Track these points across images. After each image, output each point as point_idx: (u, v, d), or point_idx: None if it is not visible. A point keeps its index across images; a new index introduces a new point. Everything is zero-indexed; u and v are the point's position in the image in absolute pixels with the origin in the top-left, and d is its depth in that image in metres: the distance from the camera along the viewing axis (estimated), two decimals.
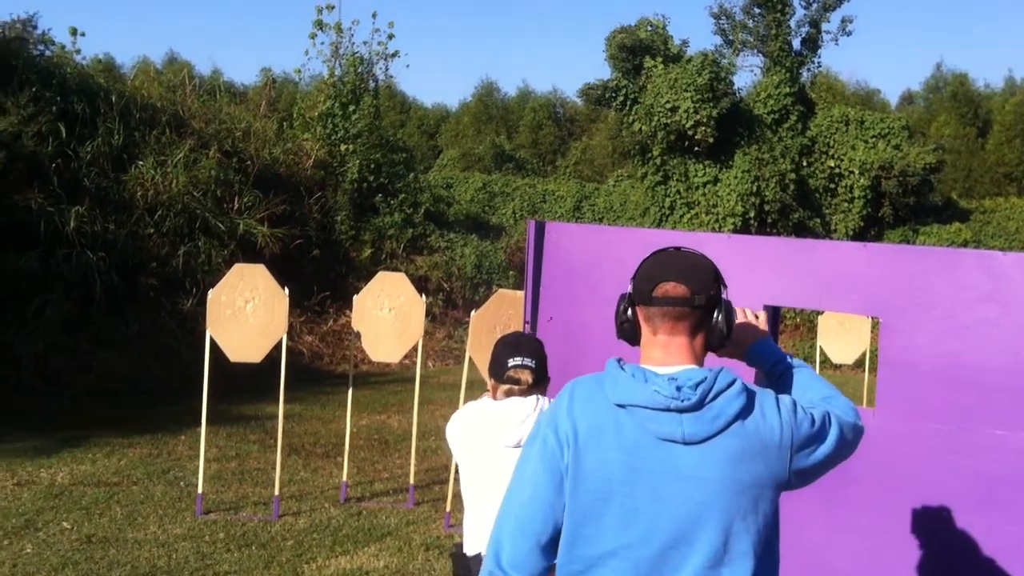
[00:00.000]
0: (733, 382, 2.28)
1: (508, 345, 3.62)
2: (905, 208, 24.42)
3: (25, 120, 14.79)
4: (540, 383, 3.58)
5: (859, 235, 24.01)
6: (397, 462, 9.90)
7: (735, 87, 24.42)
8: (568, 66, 79.99)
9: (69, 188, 14.77)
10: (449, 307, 20.43)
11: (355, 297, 8.85)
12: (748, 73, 58.18)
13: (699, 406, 2.24)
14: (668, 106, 22.61)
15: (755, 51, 27.13)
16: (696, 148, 23.10)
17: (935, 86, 51.11)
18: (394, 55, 22.91)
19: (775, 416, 2.29)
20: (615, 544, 2.26)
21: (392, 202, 20.88)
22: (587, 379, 2.39)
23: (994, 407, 4.21)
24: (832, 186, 24.61)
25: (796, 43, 26.29)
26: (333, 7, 22.26)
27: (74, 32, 19.77)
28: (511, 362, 3.55)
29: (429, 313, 19.25)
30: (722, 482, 2.22)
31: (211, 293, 8.10)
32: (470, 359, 7.92)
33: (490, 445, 3.48)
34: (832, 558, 4.53)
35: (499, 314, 8.22)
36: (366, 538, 7.40)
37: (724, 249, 4.99)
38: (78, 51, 19.32)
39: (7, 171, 14.20)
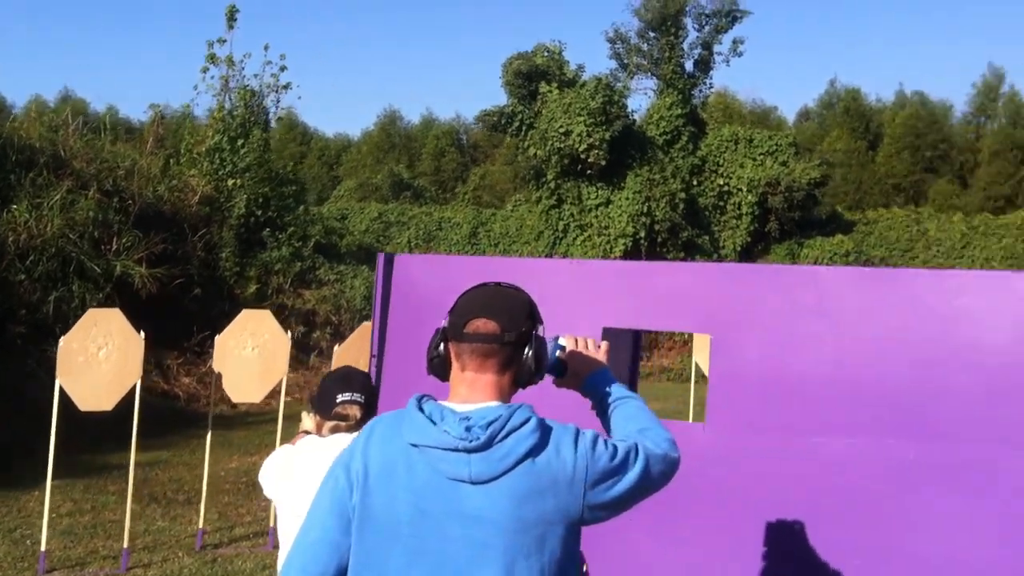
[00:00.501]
0: (527, 420, 2.26)
1: (337, 380, 3.53)
2: (791, 222, 24.95)
3: None
4: (368, 419, 3.48)
5: (746, 250, 24.49)
6: (261, 504, 9.65)
7: (629, 110, 24.78)
8: (472, 92, 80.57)
9: None
10: (337, 340, 20.12)
11: (217, 337, 8.63)
12: (643, 96, 58.98)
13: (487, 446, 2.21)
14: (562, 130, 22.79)
15: (649, 74, 27.57)
16: (589, 171, 23.29)
17: (829, 102, 52.50)
18: (286, 87, 22.65)
19: (570, 452, 2.25)
20: None
21: (280, 236, 20.59)
22: (389, 416, 2.37)
23: (820, 417, 4.31)
24: (721, 204, 25.04)
25: (689, 65, 26.80)
26: (225, 40, 21.96)
27: None
28: (340, 397, 3.45)
29: (315, 348, 19.00)
30: (505, 521, 2.20)
31: (63, 341, 7.82)
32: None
33: (316, 483, 3.35)
34: (666, 573, 4.52)
35: (364, 346, 8.09)
36: None
37: (566, 276, 5.05)
38: None
39: None
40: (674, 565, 4.50)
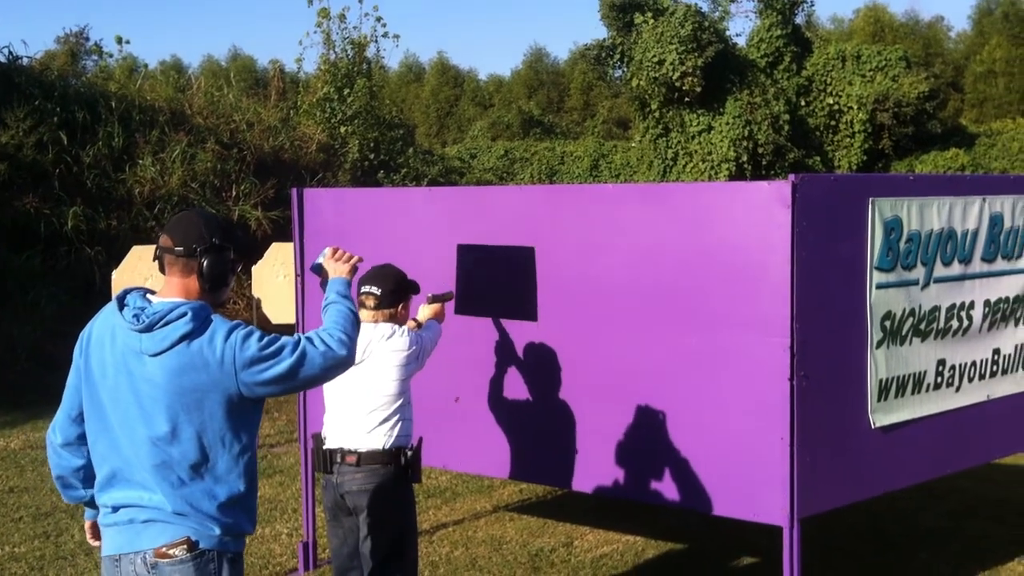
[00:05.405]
0: (184, 314, 3.15)
1: (366, 276, 4.80)
2: (906, 138, 24.58)
3: (26, 132, 16.28)
4: (382, 306, 4.81)
5: (864, 169, 24.31)
6: None
7: (732, 34, 24.92)
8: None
9: (71, 191, 16.23)
10: None
11: (253, 268, 9.94)
12: (745, 19, 57.61)
13: (149, 329, 3.17)
14: (655, 59, 23.22)
15: None
16: (687, 99, 23.67)
17: (987, 8, 49.82)
18: (385, 35, 23.81)
19: (221, 342, 3.14)
20: (111, 420, 3.26)
21: (395, 177, 21.93)
22: (110, 304, 3.35)
23: (615, 311, 5.20)
24: (833, 123, 24.91)
25: None
26: None
27: (119, 40, 21.52)
28: (362, 289, 4.79)
29: None
30: (168, 385, 3.15)
31: (114, 274, 9.25)
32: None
33: None
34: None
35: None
36: None
37: (423, 201, 6.12)
38: (124, 58, 20.67)
39: (11, 180, 15.75)
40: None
